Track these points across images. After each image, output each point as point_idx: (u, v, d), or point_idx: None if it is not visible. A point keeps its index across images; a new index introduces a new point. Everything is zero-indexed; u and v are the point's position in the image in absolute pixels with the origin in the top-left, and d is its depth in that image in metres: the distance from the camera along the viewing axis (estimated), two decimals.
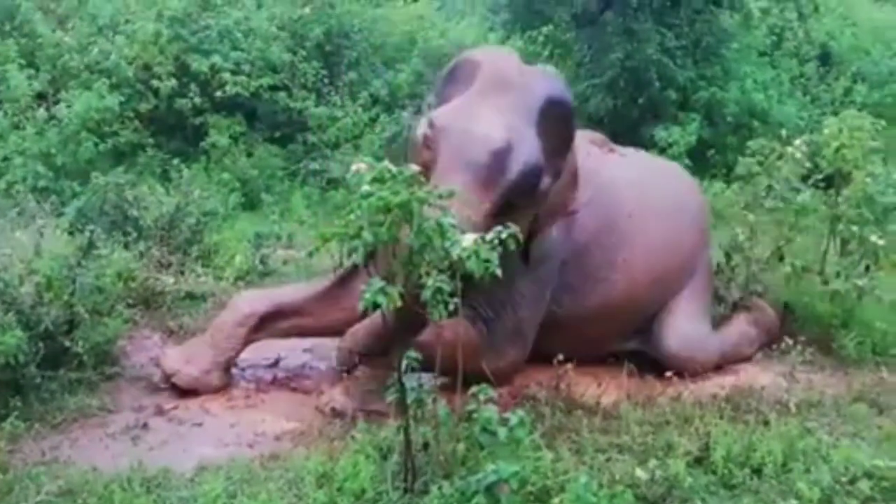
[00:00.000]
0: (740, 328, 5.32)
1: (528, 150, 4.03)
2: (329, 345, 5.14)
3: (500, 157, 3.94)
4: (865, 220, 5.40)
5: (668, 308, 5.08)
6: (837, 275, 5.51)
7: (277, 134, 9.84)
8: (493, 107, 4.08)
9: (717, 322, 5.33)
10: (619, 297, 4.84)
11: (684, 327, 5.01)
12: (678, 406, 4.35)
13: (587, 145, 4.98)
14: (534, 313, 4.61)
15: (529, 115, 4.14)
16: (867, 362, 5.07)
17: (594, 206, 4.73)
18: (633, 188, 5.01)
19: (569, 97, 4.41)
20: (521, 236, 3.39)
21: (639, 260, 4.88)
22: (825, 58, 12.90)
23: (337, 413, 4.17)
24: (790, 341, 4.81)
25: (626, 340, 5.10)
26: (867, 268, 5.43)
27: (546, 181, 4.19)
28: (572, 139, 4.41)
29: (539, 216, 4.32)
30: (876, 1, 16.23)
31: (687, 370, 4.79)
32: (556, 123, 4.20)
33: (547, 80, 4.37)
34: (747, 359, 5.24)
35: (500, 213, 3.84)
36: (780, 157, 5.77)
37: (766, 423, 4.09)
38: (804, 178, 5.83)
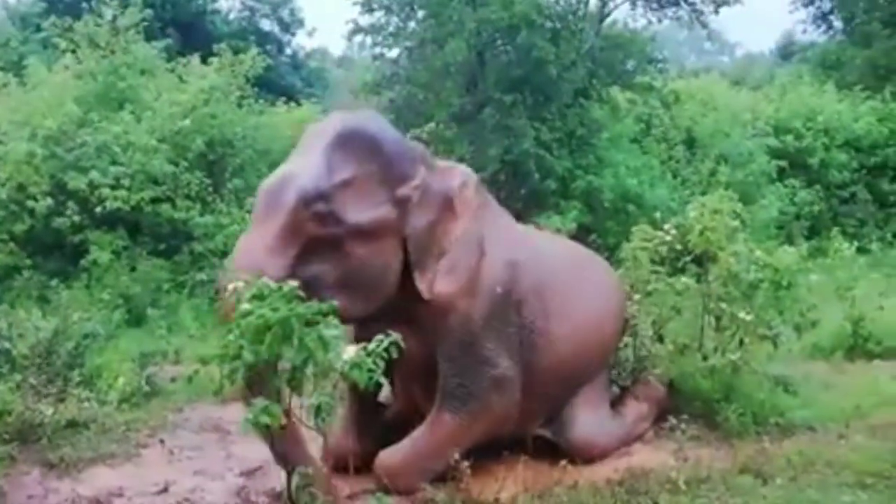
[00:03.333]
0: (634, 408, 5.47)
1: (307, 178, 4.05)
2: (222, 464, 5.04)
3: (276, 193, 4.05)
4: (733, 298, 5.70)
5: (578, 394, 5.11)
6: (714, 350, 5.77)
7: (162, 246, 9.68)
8: (294, 158, 4.31)
9: (611, 402, 5.46)
10: (543, 364, 4.81)
11: (589, 416, 5.07)
12: (574, 494, 4.42)
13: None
14: (509, 357, 4.66)
15: (322, 151, 4.17)
16: (749, 433, 5.26)
17: (528, 267, 4.79)
18: (565, 262, 5.19)
19: (370, 127, 4.38)
20: (398, 344, 3.43)
21: (565, 333, 4.87)
22: (690, 142, 13.75)
23: None
24: (676, 420, 4.98)
25: (537, 424, 5.06)
26: (741, 342, 5.71)
27: (362, 210, 4.15)
28: (400, 166, 4.33)
29: (411, 250, 4.33)
30: (732, 86, 17.51)
31: (590, 457, 4.89)
32: (357, 152, 4.20)
33: (345, 119, 4.43)
34: (641, 435, 5.37)
35: (310, 250, 3.98)
36: (653, 241, 6.10)
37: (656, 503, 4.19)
38: (675, 260, 6.16)
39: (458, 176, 4.69)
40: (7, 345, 5.70)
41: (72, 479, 4.85)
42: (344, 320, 3.69)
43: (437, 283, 4.39)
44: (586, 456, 4.87)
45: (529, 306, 4.78)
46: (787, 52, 26.12)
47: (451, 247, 4.48)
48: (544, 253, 5.12)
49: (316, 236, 4.01)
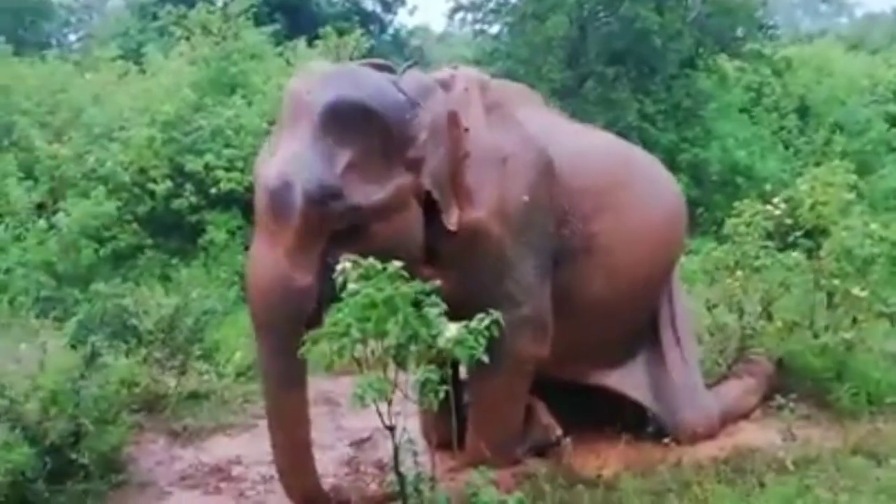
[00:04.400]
0: (740, 384, 5.34)
1: (309, 175, 3.70)
2: (332, 435, 5.24)
3: (281, 196, 3.71)
4: (846, 274, 5.52)
5: (658, 356, 4.93)
6: (826, 328, 5.61)
7: None
8: (284, 141, 3.89)
9: (717, 381, 5.38)
10: (589, 282, 4.50)
11: (683, 396, 4.87)
12: (678, 472, 4.39)
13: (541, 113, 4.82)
14: (535, 297, 4.33)
15: (313, 133, 3.79)
16: (863, 413, 5.11)
17: (563, 166, 4.41)
18: (609, 160, 4.85)
19: (357, 94, 3.87)
20: (500, 323, 3.39)
21: (612, 241, 4.54)
22: (803, 110, 13.25)
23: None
24: (784, 399, 4.88)
25: (607, 369, 4.86)
26: (854, 320, 5.53)
27: (375, 190, 3.82)
28: (402, 129, 3.92)
29: (435, 195, 3.98)
30: (849, 51, 16.72)
31: (690, 439, 4.78)
32: (351, 128, 3.80)
33: (327, 86, 3.92)
34: (750, 411, 5.25)
35: (334, 243, 3.68)
36: (762, 215, 5.96)
37: (762, 484, 4.14)
38: (785, 234, 6.00)
39: (459, 83, 4.35)
40: (134, 321, 6.05)
41: (194, 447, 5.17)
42: None
43: (463, 212, 4.06)
44: (686, 437, 4.76)
45: (567, 212, 4.43)
46: None
47: (468, 167, 4.13)
48: (583, 149, 4.74)
49: (335, 230, 3.75)
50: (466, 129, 4.16)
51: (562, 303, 4.45)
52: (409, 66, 4.25)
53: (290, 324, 3.68)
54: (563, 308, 4.45)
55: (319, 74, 4.07)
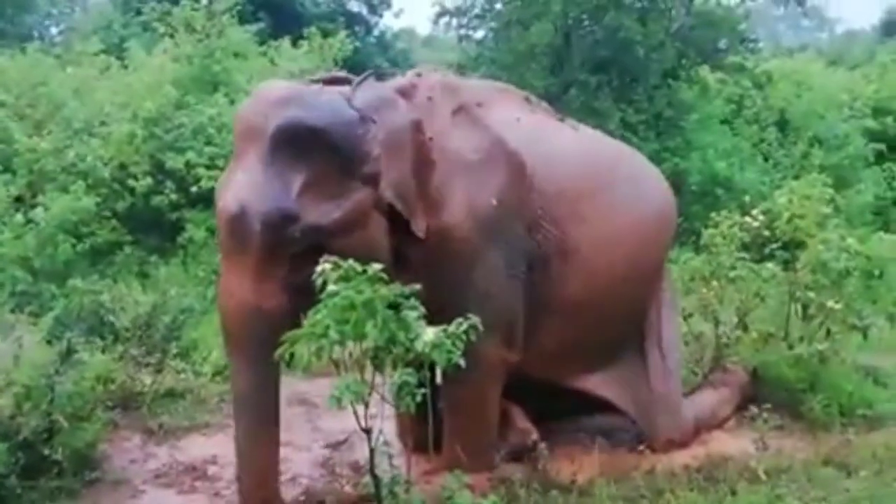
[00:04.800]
0: (715, 393, 5.39)
1: (265, 201, 3.72)
2: (308, 436, 5.24)
3: (239, 223, 3.73)
4: (821, 286, 5.59)
5: (640, 363, 4.92)
6: (801, 340, 5.68)
7: None
8: (240, 167, 3.90)
9: (693, 389, 5.42)
10: (575, 291, 4.51)
11: (661, 404, 4.90)
12: (651, 480, 4.44)
13: (524, 110, 4.76)
14: (505, 301, 4.33)
15: (267, 158, 3.79)
16: (834, 425, 5.17)
17: (538, 168, 4.41)
18: (589, 160, 4.77)
19: (304, 115, 3.85)
20: (477, 328, 3.44)
21: (590, 246, 4.52)
22: (783, 123, 13.39)
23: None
24: (758, 409, 4.96)
25: (587, 373, 4.84)
26: (828, 332, 5.60)
27: (333, 209, 3.81)
28: (353, 147, 3.88)
29: (399, 207, 3.99)
30: (828, 66, 16.92)
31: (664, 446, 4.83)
32: (301, 150, 3.78)
33: (277, 110, 3.89)
34: (725, 420, 5.30)
35: (298, 263, 3.64)
36: (740, 226, 6.03)
37: (734, 492, 4.19)
38: (762, 246, 6.07)
39: (422, 91, 4.37)
40: (111, 317, 6.02)
41: (169, 445, 5.14)
42: None
43: (431, 218, 4.10)
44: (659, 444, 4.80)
45: (540, 216, 4.42)
46: (890, 28, 24.99)
47: (434, 174, 4.15)
48: (561, 151, 4.67)
49: (296, 252, 3.73)
50: (431, 138, 4.17)
51: (537, 306, 4.46)
52: (362, 81, 4.20)
53: (259, 347, 3.65)
54: (538, 311, 4.46)
55: (270, 97, 4.04)
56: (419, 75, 4.58)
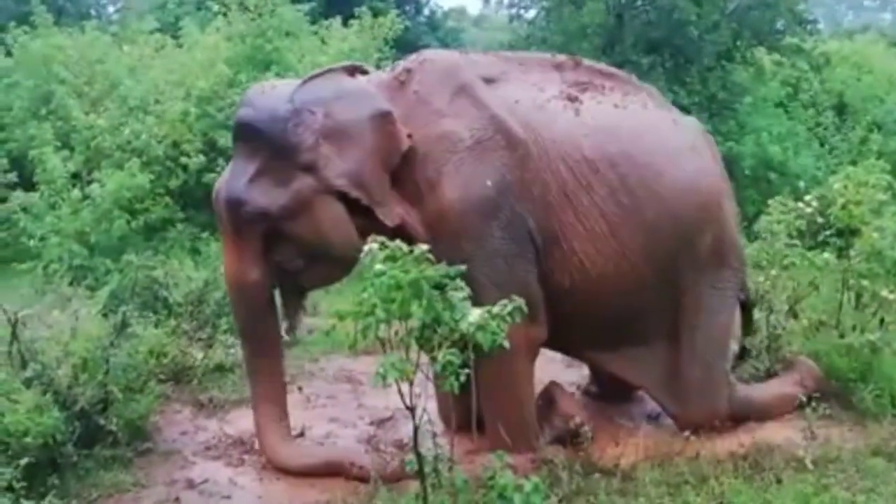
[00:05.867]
0: (777, 385, 5.19)
1: (228, 186, 4.33)
2: (354, 413, 5.32)
3: (218, 205, 4.40)
4: (876, 275, 5.47)
5: (674, 349, 4.79)
6: (853, 329, 5.56)
7: None
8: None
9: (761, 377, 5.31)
10: (582, 274, 4.50)
11: (692, 390, 4.77)
12: (695, 465, 4.40)
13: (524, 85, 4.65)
14: (513, 280, 4.27)
15: (234, 152, 4.48)
16: (885, 416, 5.05)
17: (540, 144, 4.43)
18: (597, 142, 4.55)
19: (251, 114, 4.32)
20: (522, 310, 3.47)
21: (598, 226, 4.50)
22: (841, 107, 13.06)
23: (362, 481, 4.29)
24: (806, 398, 4.89)
25: (611, 353, 4.81)
26: (881, 321, 5.48)
27: (280, 195, 4.21)
28: (286, 139, 4.20)
29: (356, 195, 4.24)
30: (890, 48, 16.43)
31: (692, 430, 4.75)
32: (249, 145, 4.30)
33: (240, 108, 4.48)
34: (787, 411, 5.08)
35: (269, 242, 4.30)
36: (794, 213, 5.91)
37: (780, 480, 4.15)
38: (816, 233, 5.96)
39: (411, 84, 4.50)
40: (164, 292, 6.16)
41: (218, 419, 5.27)
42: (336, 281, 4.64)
43: (427, 203, 4.32)
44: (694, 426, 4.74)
45: (542, 195, 4.42)
46: None
47: (424, 160, 4.33)
48: (573, 128, 4.55)
49: (261, 233, 4.28)
50: (409, 135, 4.33)
51: (551, 285, 4.48)
52: (316, 76, 4.46)
53: (250, 311, 4.48)
54: (553, 290, 4.49)
55: (241, 99, 4.62)
56: (408, 71, 4.58)
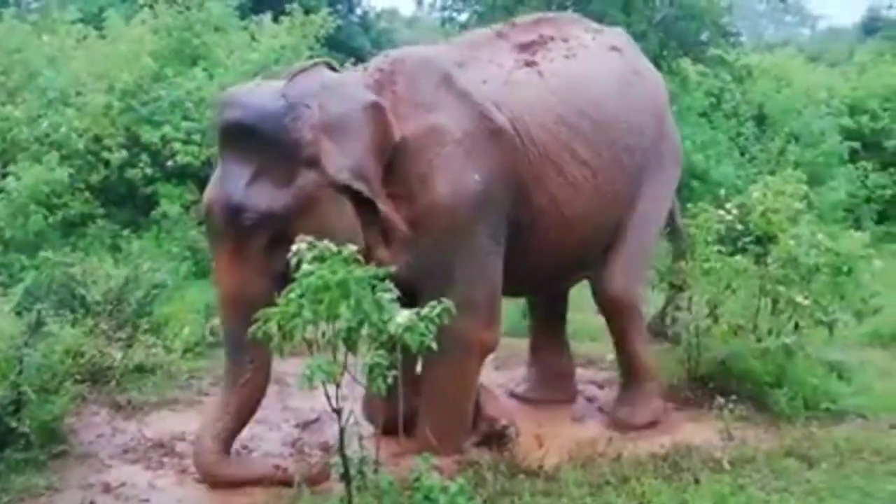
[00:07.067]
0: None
1: (225, 194, 4.06)
2: (279, 415, 5.25)
3: (211, 216, 4.15)
4: (791, 281, 5.65)
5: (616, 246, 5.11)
6: (769, 333, 5.74)
7: None
8: (218, 165, 4.26)
9: None
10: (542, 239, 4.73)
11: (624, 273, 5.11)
12: (617, 466, 4.48)
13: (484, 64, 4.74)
14: (487, 280, 4.48)
15: (223, 156, 4.17)
16: (798, 418, 5.24)
17: (523, 129, 4.56)
18: (563, 110, 4.75)
19: (240, 115, 4.10)
20: (451, 311, 3.44)
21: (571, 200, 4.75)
22: (761, 118, 13.48)
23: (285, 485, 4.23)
24: (724, 400, 5.06)
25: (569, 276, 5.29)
26: (796, 326, 5.67)
27: (283, 195, 4.03)
28: (286, 137, 4.04)
29: (357, 188, 4.14)
30: (808, 63, 17.04)
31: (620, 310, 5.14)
32: (243, 147, 4.07)
33: (223, 111, 4.22)
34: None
35: (272, 247, 3.95)
36: (714, 219, 6.07)
37: (698, 481, 4.25)
38: (735, 239, 6.12)
39: (396, 79, 4.48)
40: (81, 290, 5.97)
41: (137, 421, 5.13)
42: None
43: (415, 198, 4.29)
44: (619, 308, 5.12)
45: (528, 172, 4.57)
46: (871, 27, 25.18)
47: (412, 154, 4.31)
48: (531, 87, 4.72)
49: (266, 239, 4.02)
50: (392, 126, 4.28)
51: (526, 239, 4.65)
52: (301, 71, 4.27)
53: (248, 325, 3.62)
54: (529, 240, 4.67)
55: (220, 101, 4.39)
56: (382, 70, 4.56)
